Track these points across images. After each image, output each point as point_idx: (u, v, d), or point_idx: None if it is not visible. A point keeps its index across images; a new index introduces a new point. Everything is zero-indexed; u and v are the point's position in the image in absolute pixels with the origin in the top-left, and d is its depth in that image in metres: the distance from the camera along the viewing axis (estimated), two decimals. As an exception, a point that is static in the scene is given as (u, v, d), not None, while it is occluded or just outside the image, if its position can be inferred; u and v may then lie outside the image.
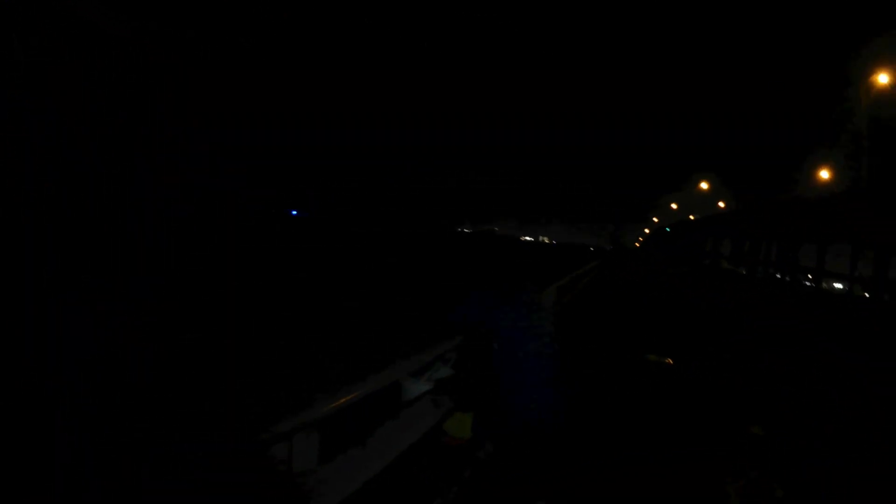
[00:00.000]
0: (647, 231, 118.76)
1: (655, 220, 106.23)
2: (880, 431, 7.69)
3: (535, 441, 4.24)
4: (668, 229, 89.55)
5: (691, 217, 74.29)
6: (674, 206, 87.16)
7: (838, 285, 29.83)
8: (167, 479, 2.64)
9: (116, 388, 2.76)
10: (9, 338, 2.62)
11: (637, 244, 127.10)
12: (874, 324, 16.67)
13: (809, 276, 29.71)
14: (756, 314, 21.57)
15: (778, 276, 33.52)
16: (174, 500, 2.67)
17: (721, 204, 64.62)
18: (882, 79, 27.39)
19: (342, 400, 3.78)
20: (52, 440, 2.43)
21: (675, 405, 7.70)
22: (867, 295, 23.13)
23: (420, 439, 4.76)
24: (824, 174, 37.23)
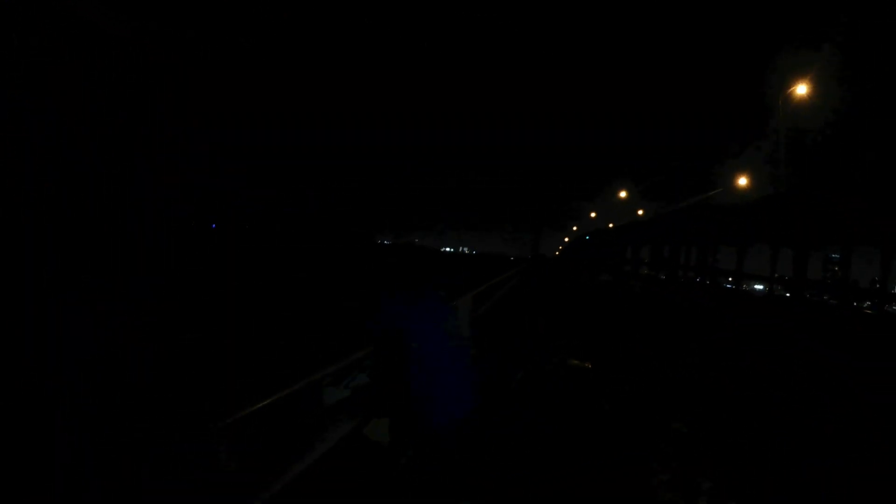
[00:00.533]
0: (566, 239, 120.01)
1: (574, 228, 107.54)
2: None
3: (453, 444, 4.37)
4: (587, 237, 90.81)
5: (610, 225, 75.62)
6: (593, 214, 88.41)
7: (759, 286, 30.93)
8: (162, 478, 2.66)
9: (116, 388, 2.79)
10: (9, 338, 2.63)
11: (557, 252, 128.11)
12: (806, 320, 17.30)
13: (730, 279, 30.62)
14: (677, 314, 22.24)
15: (697, 279, 34.45)
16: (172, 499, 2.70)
17: (640, 212, 65.80)
18: (800, 90, 28.41)
19: (261, 403, 3.87)
20: (52, 440, 2.44)
21: (597, 407, 7.93)
22: (788, 295, 23.95)
23: (340, 442, 4.86)
24: (742, 181, 38.35)
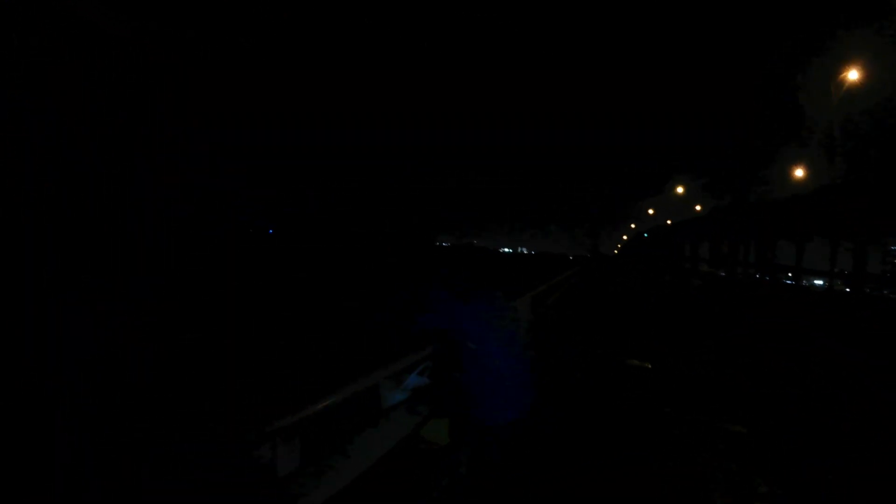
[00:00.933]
0: (625, 238, 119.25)
1: (633, 226, 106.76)
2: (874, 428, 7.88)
3: (511, 446, 4.33)
4: (646, 235, 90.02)
5: (668, 222, 74.82)
6: (651, 211, 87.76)
7: (818, 282, 30.30)
8: (165, 478, 2.65)
9: (116, 388, 2.78)
10: (9, 338, 2.64)
11: (616, 251, 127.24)
12: (858, 318, 16.91)
13: (789, 275, 30.03)
14: (738, 313, 21.85)
15: (757, 276, 33.86)
16: (172, 500, 2.69)
17: (698, 207, 65.06)
18: (852, 75, 27.78)
19: (322, 405, 3.87)
20: (53, 440, 2.44)
21: (656, 408, 7.84)
22: (847, 290, 23.41)
23: (397, 445, 4.85)
24: (799, 172, 37.57)
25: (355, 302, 24.83)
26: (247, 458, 3.30)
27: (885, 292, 22.18)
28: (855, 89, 28.30)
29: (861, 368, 11.29)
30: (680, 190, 70.01)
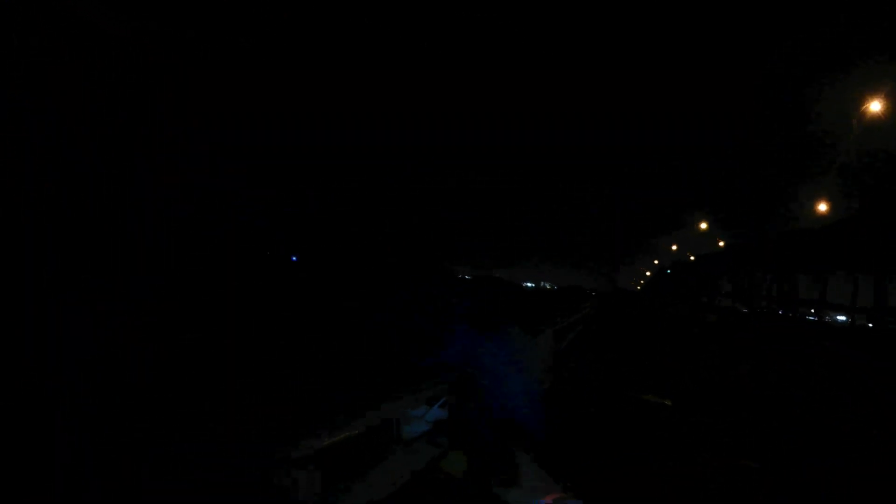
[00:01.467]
0: (647, 273, 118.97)
1: (656, 262, 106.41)
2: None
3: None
4: (668, 270, 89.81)
5: (691, 257, 74.60)
6: (674, 247, 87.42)
7: (841, 318, 29.86)
8: (168, 480, 2.60)
9: (116, 388, 2.76)
10: (9, 338, 2.65)
11: (639, 287, 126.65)
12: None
13: (812, 310, 29.71)
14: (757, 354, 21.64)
15: (780, 311, 33.55)
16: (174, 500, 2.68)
17: (721, 243, 64.71)
18: (874, 107, 27.57)
19: (344, 433, 3.93)
20: (53, 440, 2.43)
21: (672, 443, 7.83)
22: (871, 325, 23.14)
23: (416, 476, 4.89)
24: (822, 207, 37.22)
25: (379, 332, 24.82)
26: (267, 484, 3.34)
27: None
28: (876, 121, 28.05)
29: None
30: (703, 225, 69.64)
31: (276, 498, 3.49)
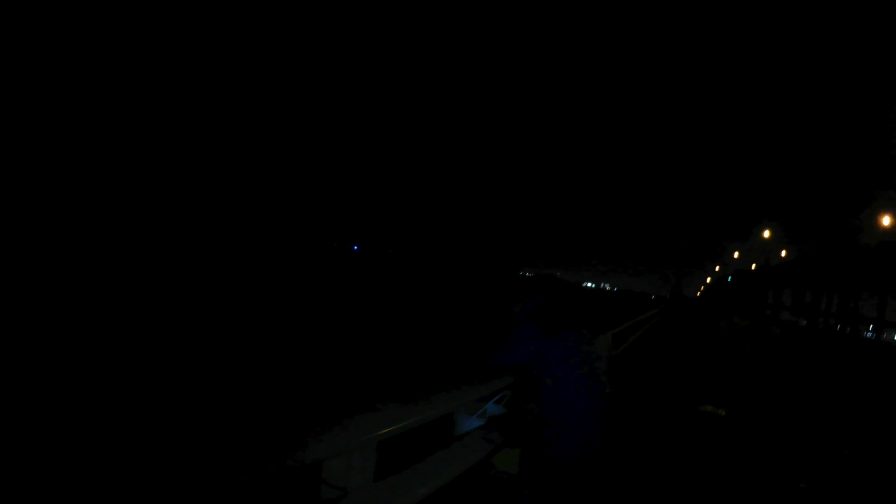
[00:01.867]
0: (708, 280, 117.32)
1: (717, 268, 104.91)
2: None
3: (581, 482, 4.32)
4: (729, 279, 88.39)
5: (753, 266, 73.33)
6: (736, 254, 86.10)
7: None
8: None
9: (117, 387, 2.72)
10: (9, 337, 2.64)
11: (698, 293, 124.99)
12: None
13: (871, 327, 29.13)
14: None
15: (838, 326, 32.88)
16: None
17: (783, 253, 63.36)
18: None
19: (401, 423, 3.92)
20: (52, 440, 2.37)
21: (725, 456, 7.71)
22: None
23: (469, 471, 4.87)
24: (886, 220, 35.92)
25: (442, 325, 24.93)
26: (318, 471, 3.33)
27: None
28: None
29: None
30: (766, 234, 68.20)
31: (332, 485, 3.50)
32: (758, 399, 12.50)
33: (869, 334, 30.03)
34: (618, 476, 6.08)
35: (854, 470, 7.85)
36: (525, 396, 4.89)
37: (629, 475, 6.51)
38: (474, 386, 5.26)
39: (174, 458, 2.56)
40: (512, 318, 4.83)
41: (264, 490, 2.76)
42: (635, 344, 19.17)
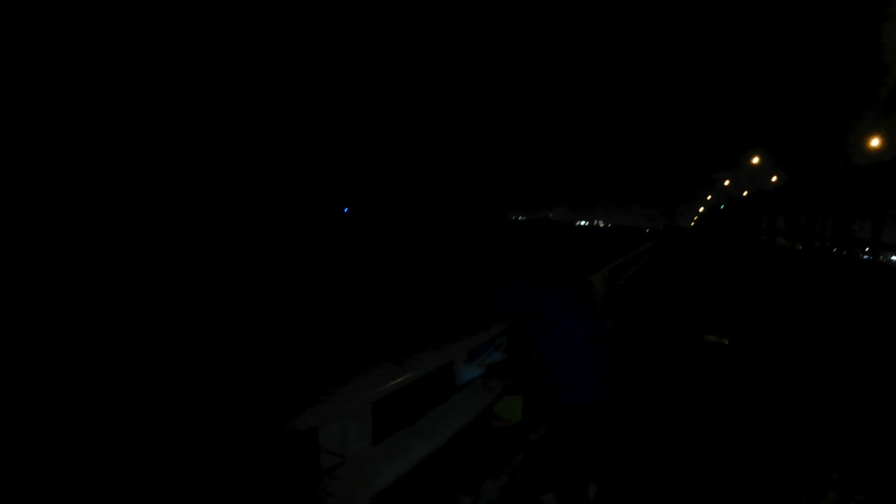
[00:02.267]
0: (700, 210, 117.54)
1: (709, 197, 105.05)
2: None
3: (585, 424, 4.23)
4: (721, 207, 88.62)
5: (745, 193, 73.36)
6: (727, 183, 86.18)
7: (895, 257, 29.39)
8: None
9: (118, 387, 2.69)
10: (9, 337, 2.59)
11: (692, 223, 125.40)
12: None
13: (867, 250, 29.21)
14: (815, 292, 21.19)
15: (834, 249, 33.00)
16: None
17: (773, 179, 63.26)
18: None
19: (396, 380, 3.82)
20: (52, 440, 2.32)
21: (734, 388, 7.63)
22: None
23: (471, 422, 4.79)
24: (875, 142, 35.75)
25: (432, 276, 24.87)
26: (313, 436, 3.26)
27: None
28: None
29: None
30: (756, 160, 68.03)
31: (329, 449, 3.42)
32: (761, 327, 12.43)
33: (866, 257, 30.03)
34: (624, 414, 6.02)
35: (869, 396, 7.77)
36: (522, 341, 4.78)
37: (636, 411, 6.45)
38: (471, 336, 5.16)
39: (168, 434, 2.50)
40: (505, 264, 4.74)
41: (261, 463, 2.71)
42: (633, 278, 19.12)
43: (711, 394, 7.34)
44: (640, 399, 6.89)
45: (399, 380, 3.85)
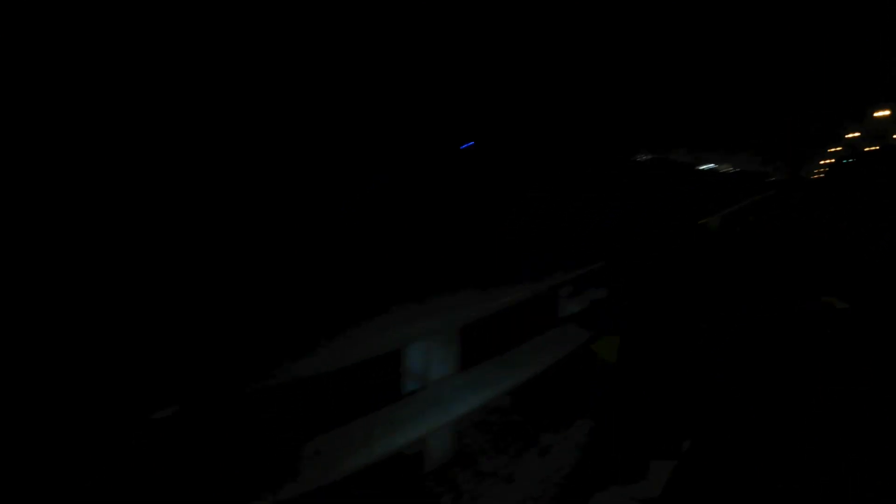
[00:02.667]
0: (824, 163, 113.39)
1: (834, 149, 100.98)
2: None
3: (687, 372, 4.00)
4: (846, 161, 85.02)
5: (876, 147, 70.14)
6: (853, 135, 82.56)
7: None
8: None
9: (114, 387, 2.64)
10: (9, 337, 2.60)
11: (814, 175, 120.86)
12: None
13: None
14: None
15: None
16: None
17: (899, 136, 60.32)
18: None
19: (488, 305, 3.66)
20: (51, 440, 2.33)
21: (850, 354, 7.15)
22: None
23: (569, 356, 4.60)
24: None
25: (545, 212, 24.62)
26: (397, 363, 3.16)
27: None
28: None
29: None
30: (885, 113, 64.75)
31: (413, 375, 3.31)
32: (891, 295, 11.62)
33: None
34: (731, 364, 5.70)
35: None
36: (627, 281, 4.54)
37: (747, 363, 6.10)
38: (577, 269, 4.98)
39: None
40: (623, 203, 4.53)
41: (341, 380, 2.67)
42: (751, 226, 18.40)
43: (819, 361, 6.87)
44: (754, 352, 6.52)
45: (490, 305, 3.68)
